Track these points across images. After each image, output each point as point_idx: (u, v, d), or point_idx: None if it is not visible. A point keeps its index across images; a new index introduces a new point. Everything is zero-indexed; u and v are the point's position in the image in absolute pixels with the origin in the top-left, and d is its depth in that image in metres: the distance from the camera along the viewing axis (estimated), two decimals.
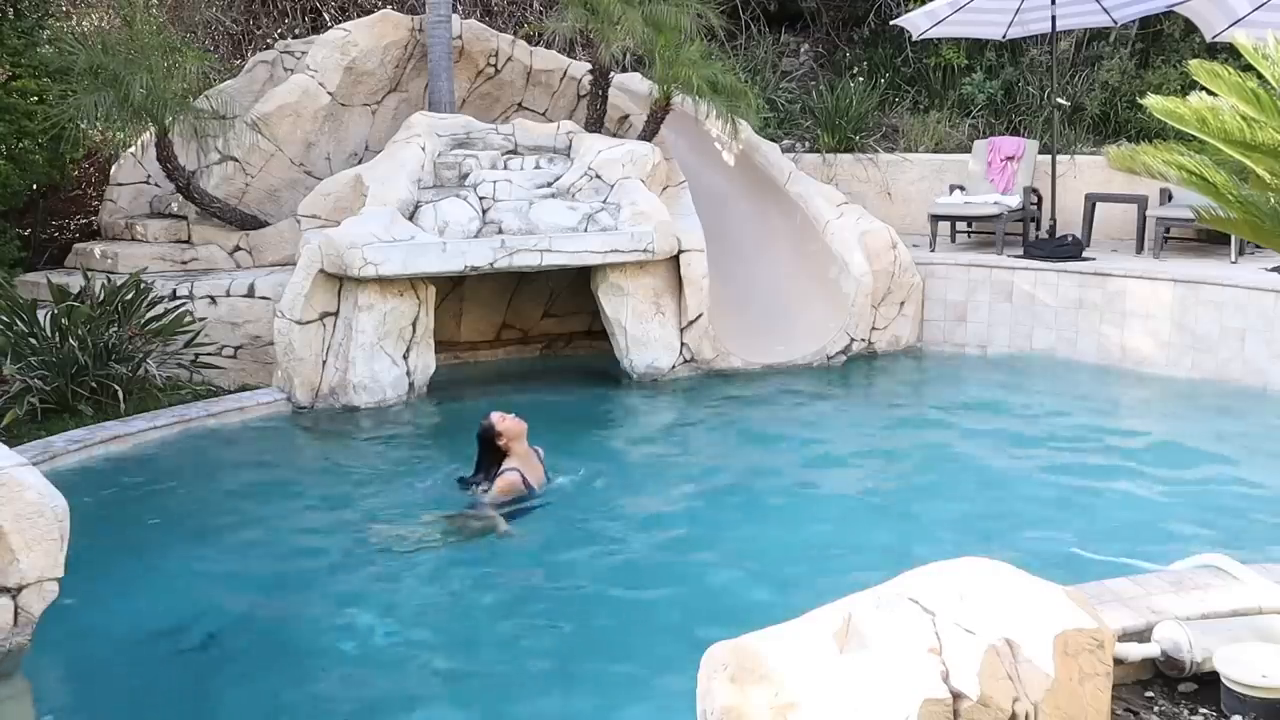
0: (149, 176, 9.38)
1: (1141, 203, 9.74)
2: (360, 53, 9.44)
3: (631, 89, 10.32)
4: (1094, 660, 2.53)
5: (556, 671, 4.18)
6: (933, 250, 9.95)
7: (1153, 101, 3.95)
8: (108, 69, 7.91)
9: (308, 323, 7.40)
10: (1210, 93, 3.84)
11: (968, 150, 11.18)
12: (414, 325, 7.60)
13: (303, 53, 9.69)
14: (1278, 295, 7.72)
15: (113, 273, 8.21)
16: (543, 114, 10.25)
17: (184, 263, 8.77)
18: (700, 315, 8.38)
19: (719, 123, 8.97)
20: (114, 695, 4.07)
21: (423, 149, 8.33)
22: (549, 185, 8.39)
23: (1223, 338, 8.01)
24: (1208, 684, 3.08)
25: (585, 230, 8.06)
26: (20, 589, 3.88)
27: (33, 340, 6.99)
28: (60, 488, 4.09)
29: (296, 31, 12.62)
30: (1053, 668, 2.43)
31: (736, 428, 7.50)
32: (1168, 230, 9.51)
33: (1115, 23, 10.52)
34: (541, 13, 12.76)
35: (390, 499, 6.00)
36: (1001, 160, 10.44)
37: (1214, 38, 9.37)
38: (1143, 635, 3.21)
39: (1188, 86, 7.62)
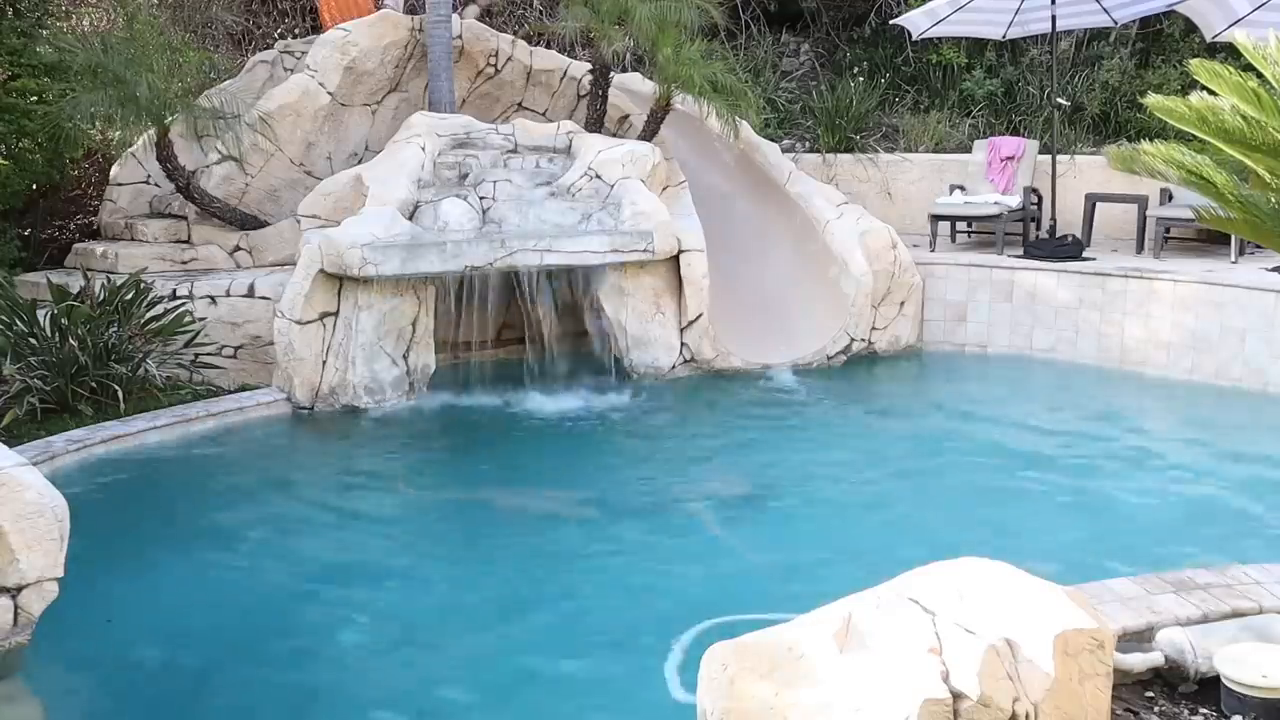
0: (149, 176, 9.37)
1: (1141, 203, 9.74)
2: (360, 53, 9.44)
3: (631, 89, 10.31)
4: (1094, 660, 2.53)
5: (552, 665, 4.19)
6: (933, 250, 9.95)
7: (1153, 101, 3.96)
8: (108, 69, 7.91)
9: (308, 323, 7.40)
10: (1211, 92, 3.84)
11: (968, 150, 11.19)
12: (414, 325, 7.60)
13: (303, 53, 9.69)
14: (1278, 295, 7.72)
15: (113, 273, 8.21)
16: (543, 114, 10.24)
17: (184, 263, 8.77)
18: (700, 315, 8.38)
19: (719, 122, 8.97)
20: (113, 695, 4.06)
21: (423, 149, 8.33)
22: (549, 185, 8.39)
23: (1223, 338, 8.00)
24: (1208, 684, 3.08)
25: (585, 230, 8.06)
26: (20, 589, 3.89)
27: (33, 340, 6.98)
28: (60, 488, 4.09)
29: (296, 31, 12.62)
30: (1053, 668, 2.43)
31: (735, 428, 7.50)
32: (1168, 230, 9.51)
33: (1115, 23, 10.51)
34: (541, 13, 12.76)
35: (390, 499, 6.00)
36: (1001, 160, 10.44)
37: (1214, 38, 9.37)
38: (1143, 635, 3.21)
39: (1188, 86, 7.61)
